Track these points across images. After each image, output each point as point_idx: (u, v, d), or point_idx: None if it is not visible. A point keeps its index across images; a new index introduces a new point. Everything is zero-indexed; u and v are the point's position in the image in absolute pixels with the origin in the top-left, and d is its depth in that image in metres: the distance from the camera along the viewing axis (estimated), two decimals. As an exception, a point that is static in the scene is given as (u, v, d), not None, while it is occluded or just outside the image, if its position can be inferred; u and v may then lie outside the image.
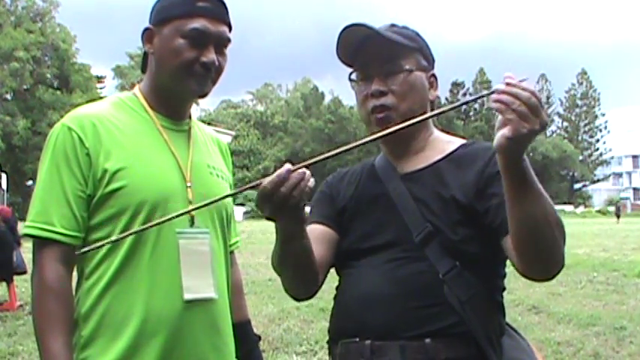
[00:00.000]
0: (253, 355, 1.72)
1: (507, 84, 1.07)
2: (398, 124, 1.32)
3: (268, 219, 1.19)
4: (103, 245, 1.27)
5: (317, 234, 1.48)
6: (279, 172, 1.13)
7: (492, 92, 1.10)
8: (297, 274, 1.41)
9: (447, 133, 1.56)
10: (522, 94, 1.06)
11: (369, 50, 1.43)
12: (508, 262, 1.42)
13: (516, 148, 1.09)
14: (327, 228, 1.50)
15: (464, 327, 1.31)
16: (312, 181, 1.15)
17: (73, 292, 1.45)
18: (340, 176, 1.60)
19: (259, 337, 1.77)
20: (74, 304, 1.43)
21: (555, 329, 6.31)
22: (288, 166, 1.14)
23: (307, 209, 1.36)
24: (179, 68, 1.46)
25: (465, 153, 1.45)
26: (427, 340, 1.30)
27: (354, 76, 1.48)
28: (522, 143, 1.08)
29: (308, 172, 1.15)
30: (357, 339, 1.36)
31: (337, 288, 1.49)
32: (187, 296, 1.43)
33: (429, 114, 1.27)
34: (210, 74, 1.48)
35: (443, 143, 1.50)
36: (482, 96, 1.15)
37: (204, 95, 1.53)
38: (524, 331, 5.55)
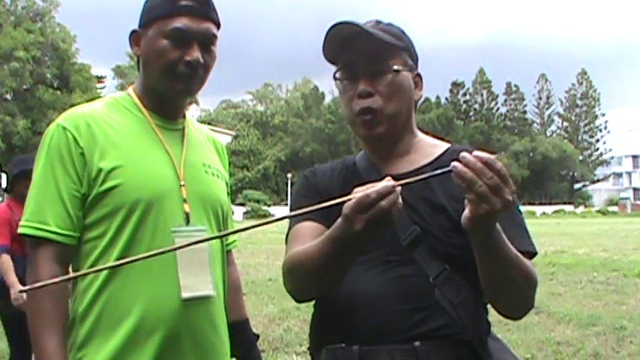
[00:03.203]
0: (251, 354, 1.72)
1: (475, 156, 1.06)
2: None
3: (361, 231, 1.12)
4: (100, 270, 1.30)
5: (313, 233, 1.39)
6: (383, 185, 1.09)
7: (448, 170, 1.08)
8: (330, 284, 1.34)
9: (433, 136, 1.53)
10: (486, 173, 1.04)
11: (355, 48, 1.39)
12: None
13: (478, 226, 1.10)
14: (318, 224, 1.40)
15: (453, 329, 1.30)
16: (401, 201, 1.12)
17: (69, 292, 1.45)
18: (322, 172, 1.53)
19: (258, 336, 1.77)
20: (69, 303, 1.43)
21: (555, 329, 6.30)
22: (391, 181, 1.10)
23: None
24: (164, 69, 1.46)
25: (452, 161, 1.41)
26: (417, 344, 1.28)
27: (338, 75, 1.44)
28: (483, 222, 1.08)
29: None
30: (344, 344, 1.32)
31: None
32: (185, 294, 1.43)
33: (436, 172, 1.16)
34: (197, 73, 1.48)
35: (428, 147, 1.47)
36: (447, 171, 1.09)
37: (191, 94, 1.54)
38: (524, 331, 5.52)
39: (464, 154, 1.07)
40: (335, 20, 1.37)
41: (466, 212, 1.08)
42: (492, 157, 1.05)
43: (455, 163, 1.07)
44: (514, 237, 1.25)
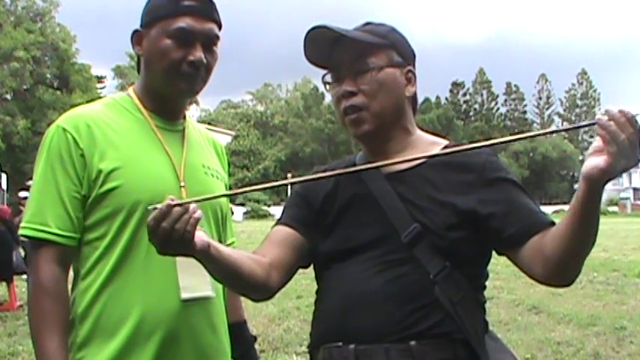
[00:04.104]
0: (249, 356, 1.72)
1: (620, 111, 1.07)
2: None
3: (160, 254, 1.17)
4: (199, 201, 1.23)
5: (280, 236, 1.46)
6: (160, 206, 1.12)
7: (592, 123, 1.09)
8: (232, 287, 1.40)
9: (433, 134, 1.53)
10: (629, 129, 1.06)
11: (338, 51, 1.41)
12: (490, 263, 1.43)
13: (604, 180, 1.11)
14: (292, 230, 1.46)
15: (450, 326, 1.30)
16: (198, 213, 1.15)
17: (69, 293, 1.45)
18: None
19: (255, 338, 1.77)
20: (70, 304, 1.43)
21: (555, 329, 6.29)
22: (169, 200, 1.13)
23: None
24: (167, 69, 1.46)
25: (452, 155, 1.39)
26: (412, 343, 1.28)
27: (327, 78, 1.46)
28: (612, 176, 1.10)
29: (193, 206, 1.15)
30: (340, 343, 1.33)
31: (317, 292, 1.47)
32: (184, 295, 1.44)
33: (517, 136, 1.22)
34: (199, 73, 1.48)
35: (426, 144, 1.46)
36: (592, 124, 1.11)
37: (193, 94, 1.54)
38: (524, 331, 5.50)
39: (608, 107, 1.09)
40: (312, 24, 1.38)
41: (599, 163, 1.08)
42: (634, 114, 1.07)
43: (599, 116, 1.08)
44: (538, 212, 1.34)
